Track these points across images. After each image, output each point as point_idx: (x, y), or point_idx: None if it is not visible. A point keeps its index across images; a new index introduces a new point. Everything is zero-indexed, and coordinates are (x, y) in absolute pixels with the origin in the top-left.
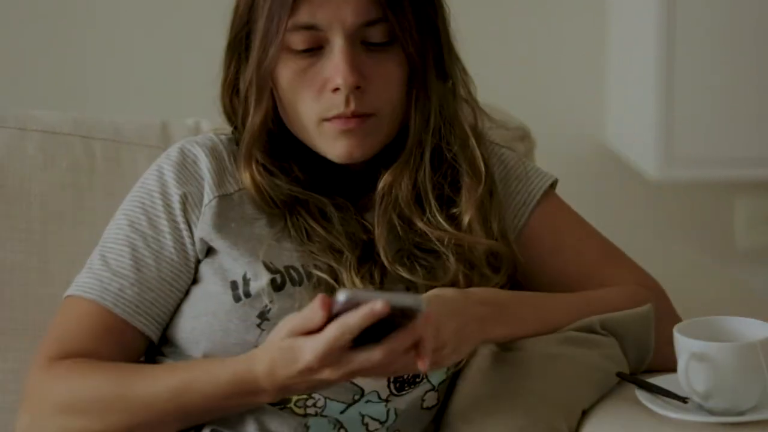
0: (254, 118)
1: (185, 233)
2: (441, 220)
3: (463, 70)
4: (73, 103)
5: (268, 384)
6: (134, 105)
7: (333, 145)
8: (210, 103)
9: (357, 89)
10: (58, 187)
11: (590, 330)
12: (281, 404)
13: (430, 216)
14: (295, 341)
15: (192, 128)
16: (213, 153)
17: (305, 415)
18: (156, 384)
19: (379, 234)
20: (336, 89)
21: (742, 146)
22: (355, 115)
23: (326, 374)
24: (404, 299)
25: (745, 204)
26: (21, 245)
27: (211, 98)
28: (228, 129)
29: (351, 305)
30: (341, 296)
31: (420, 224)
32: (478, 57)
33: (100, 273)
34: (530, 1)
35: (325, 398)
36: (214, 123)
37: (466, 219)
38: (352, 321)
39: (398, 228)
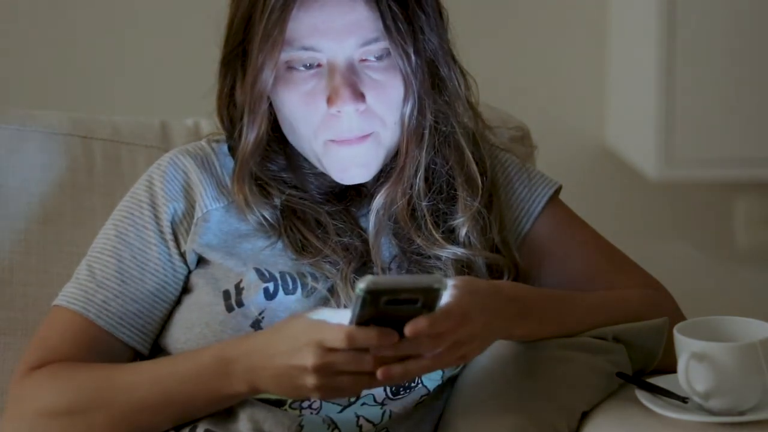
0: (248, 137)
1: (172, 245)
2: (438, 237)
3: (463, 75)
4: (73, 103)
5: (241, 367)
6: (134, 105)
7: (337, 167)
8: (209, 103)
9: (357, 111)
10: (57, 187)
11: (601, 338)
12: (277, 404)
13: (426, 232)
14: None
15: (191, 128)
16: (205, 164)
17: (300, 415)
18: (138, 373)
19: (375, 253)
20: (337, 111)
21: (742, 146)
22: (357, 135)
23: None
24: (425, 280)
25: (745, 204)
26: (21, 245)
27: (210, 98)
28: (224, 133)
29: (373, 293)
30: (362, 284)
31: (418, 240)
32: (478, 57)
33: (85, 284)
34: (531, 1)
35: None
36: (213, 123)
37: (462, 231)
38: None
39: (395, 245)
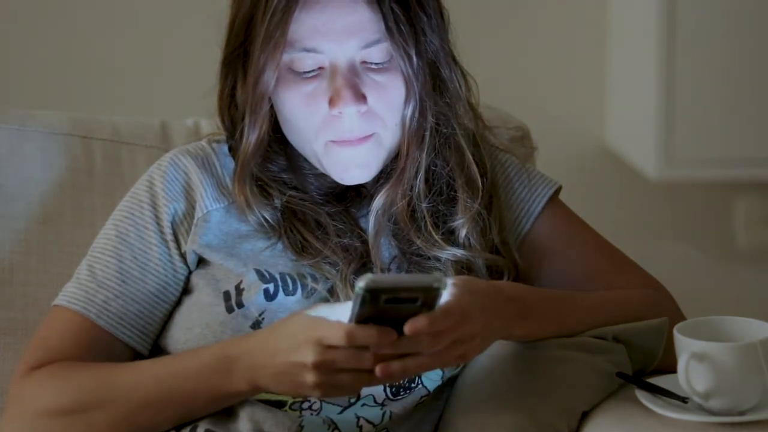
0: (249, 138)
1: (173, 246)
2: (437, 238)
3: (464, 76)
4: (73, 103)
5: (243, 365)
6: (134, 105)
7: (337, 167)
8: (209, 103)
9: (358, 112)
10: (57, 187)
11: (601, 338)
12: (277, 405)
13: (425, 233)
14: (306, 336)
15: (191, 128)
16: (205, 165)
17: (300, 416)
18: (138, 372)
19: (375, 254)
20: (339, 112)
21: (742, 146)
22: (358, 136)
23: (311, 378)
24: (425, 279)
25: (745, 204)
26: (20, 245)
27: (210, 98)
28: (224, 133)
29: (372, 291)
30: (361, 283)
31: (417, 241)
32: (479, 57)
33: (86, 284)
34: (531, 1)
35: (321, 401)
36: (213, 123)
37: (462, 233)
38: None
39: (395, 246)
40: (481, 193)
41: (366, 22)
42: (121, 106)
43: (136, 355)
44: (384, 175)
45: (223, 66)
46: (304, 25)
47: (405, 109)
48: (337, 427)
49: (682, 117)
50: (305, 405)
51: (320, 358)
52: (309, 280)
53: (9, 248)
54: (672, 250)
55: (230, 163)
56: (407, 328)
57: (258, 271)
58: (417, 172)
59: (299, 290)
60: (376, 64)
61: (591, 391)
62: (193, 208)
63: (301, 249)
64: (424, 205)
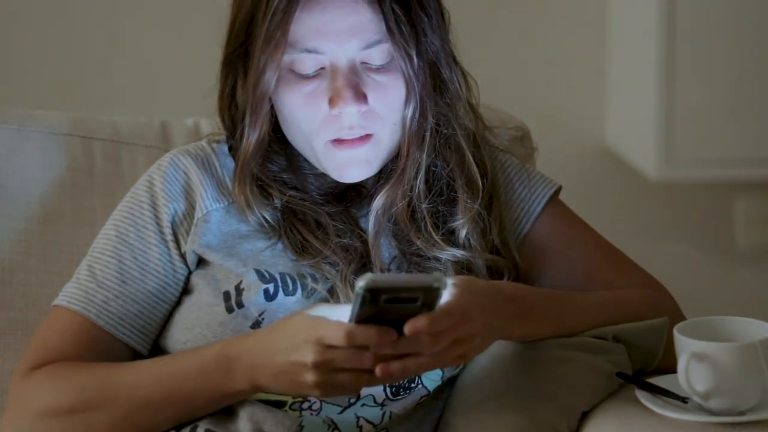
0: (249, 138)
1: (173, 246)
2: (437, 239)
3: (464, 77)
4: (73, 103)
5: (243, 364)
6: (134, 105)
7: (336, 167)
8: (209, 103)
9: (359, 112)
10: (57, 187)
11: (601, 338)
12: (277, 405)
13: (425, 233)
14: (307, 336)
15: (191, 128)
16: (205, 165)
17: (300, 416)
18: (138, 372)
19: (375, 254)
20: (339, 112)
21: (742, 146)
22: (357, 135)
23: (311, 377)
24: (425, 279)
25: (745, 204)
26: (20, 245)
27: (210, 98)
28: (224, 133)
29: (373, 291)
30: (361, 282)
31: (417, 242)
32: (479, 57)
33: (86, 284)
34: (531, 1)
35: (321, 401)
36: (213, 123)
37: (462, 233)
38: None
39: (395, 247)
40: (481, 194)
41: (367, 23)
42: (121, 106)
43: (136, 355)
44: (384, 175)
45: (224, 66)
46: (305, 26)
47: (405, 110)
48: (337, 427)
49: (682, 117)
50: (305, 405)
51: (320, 358)
52: (309, 280)
53: (9, 248)
54: (672, 250)
55: (230, 163)
56: (407, 328)
57: (258, 271)
58: (417, 173)
59: (299, 290)
60: (376, 64)
61: (591, 391)
62: (193, 208)
63: (301, 249)
64: (424, 205)
